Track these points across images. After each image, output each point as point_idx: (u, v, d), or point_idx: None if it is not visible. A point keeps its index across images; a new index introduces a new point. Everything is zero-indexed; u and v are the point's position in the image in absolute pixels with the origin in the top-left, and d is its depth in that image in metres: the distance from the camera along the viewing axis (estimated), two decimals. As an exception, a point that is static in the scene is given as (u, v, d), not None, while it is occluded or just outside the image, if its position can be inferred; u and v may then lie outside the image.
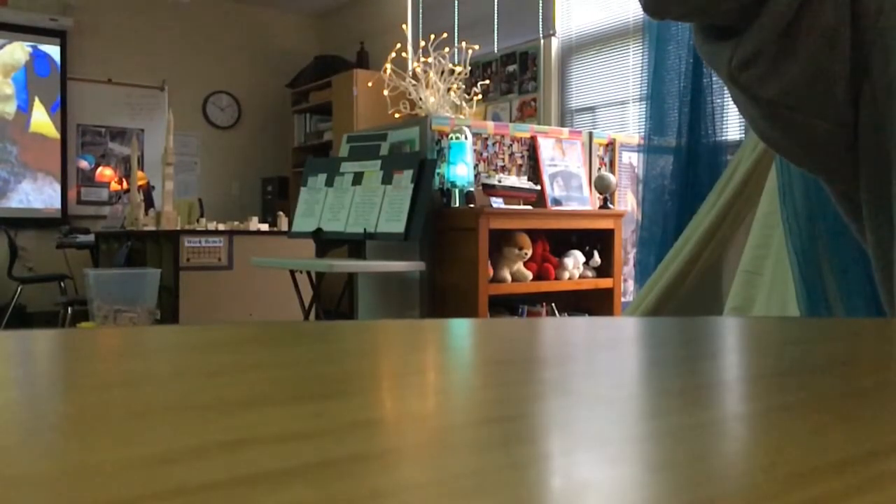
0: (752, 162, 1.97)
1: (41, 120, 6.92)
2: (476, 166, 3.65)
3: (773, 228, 1.76)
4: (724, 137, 3.51)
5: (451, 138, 3.50)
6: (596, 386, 0.32)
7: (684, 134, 3.51)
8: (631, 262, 3.85)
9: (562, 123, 5.32)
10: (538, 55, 5.51)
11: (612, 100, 5.08)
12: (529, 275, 3.51)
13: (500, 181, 3.55)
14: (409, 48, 5.37)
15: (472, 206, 3.41)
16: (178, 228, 4.97)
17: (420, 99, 4.56)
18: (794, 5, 0.66)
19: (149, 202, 5.79)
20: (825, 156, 0.73)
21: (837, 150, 0.71)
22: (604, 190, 3.77)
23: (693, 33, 0.77)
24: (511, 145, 3.79)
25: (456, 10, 6.11)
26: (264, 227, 5.28)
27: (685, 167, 3.48)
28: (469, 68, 4.81)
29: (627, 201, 4.09)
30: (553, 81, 5.44)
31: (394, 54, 5.01)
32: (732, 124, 3.60)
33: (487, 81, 5.58)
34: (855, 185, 0.72)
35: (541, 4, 5.43)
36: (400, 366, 0.38)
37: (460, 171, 3.47)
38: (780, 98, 0.69)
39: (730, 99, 0.79)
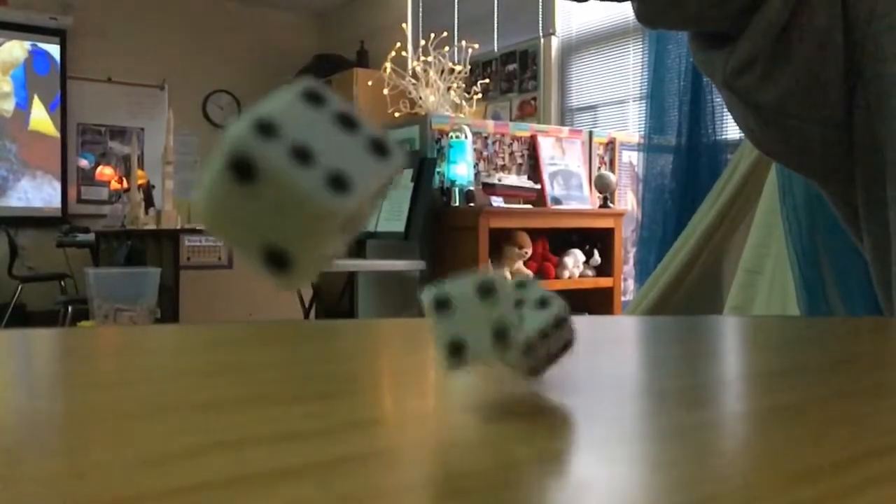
0: (751, 161, 1.97)
1: (40, 118, 6.91)
2: (476, 165, 3.65)
3: (773, 227, 1.76)
4: (724, 136, 3.50)
5: (452, 137, 3.50)
6: (596, 386, 0.32)
7: (684, 133, 3.50)
8: (631, 262, 3.85)
9: (562, 122, 5.31)
10: (538, 54, 5.50)
11: (612, 99, 5.07)
12: (529, 274, 3.51)
13: (500, 180, 3.55)
14: (409, 47, 5.36)
15: (472, 205, 3.41)
16: (179, 227, 4.97)
17: (420, 98, 4.56)
18: (785, 11, 0.66)
19: (149, 201, 5.77)
20: (821, 160, 0.73)
21: (833, 154, 0.71)
22: (604, 189, 3.76)
23: (689, 42, 0.77)
24: (511, 144, 3.79)
25: (456, 8, 6.11)
26: (264, 225, 5.27)
27: (685, 166, 3.48)
28: (469, 67, 4.80)
29: (627, 200, 4.09)
30: (553, 80, 5.44)
31: (394, 53, 5.00)
32: (732, 123, 3.59)
33: (487, 80, 5.57)
34: (851, 188, 0.72)
35: (541, 3, 5.42)
36: (400, 365, 0.38)
37: (460, 170, 3.47)
38: (776, 103, 0.69)
39: (730, 98, 0.78)
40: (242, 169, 0.16)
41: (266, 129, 0.16)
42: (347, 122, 0.17)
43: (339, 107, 0.17)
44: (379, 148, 0.17)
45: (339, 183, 0.16)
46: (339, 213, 0.16)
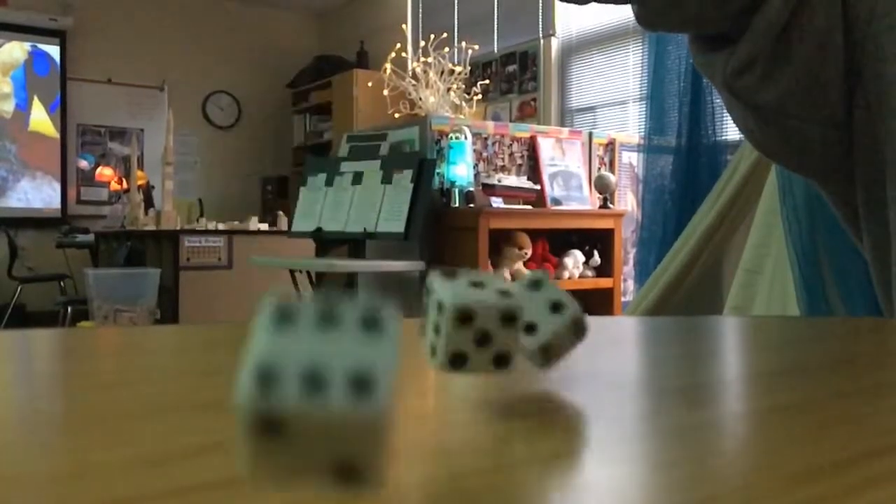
0: (751, 162, 1.97)
1: (40, 119, 6.92)
2: (476, 166, 3.65)
3: (773, 227, 1.76)
4: (724, 137, 3.50)
5: (451, 138, 3.50)
6: (596, 386, 0.32)
7: (684, 134, 3.50)
8: (631, 262, 3.85)
9: (562, 123, 5.31)
10: (538, 55, 5.51)
11: (612, 100, 5.07)
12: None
13: (499, 181, 3.55)
14: (409, 48, 5.36)
15: (471, 205, 3.41)
16: (178, 228, 4.97)
17: (420, 99, 4.56)
18: (785, 11, 0.66)
19: (149, 202, 5.78)
20: (821, 160, 0.73)
21: (833, 154, 0.71)
22: (604, 190, 3.76)
23: (689, 44, 0.77)
24: (511, 145, 3.79)
25: (456, 9, 6.11)
26: (264, 226, 5.28)
27: (685, 167, 3.48)
28: (469, 68, 4.81)
29: (627, 201, 4.09)
30: (553, 81, 5.44)
31: (394, 54, 5.00)
32: (732, 125, 3.59)
33: (487, 81, 5.57)
34: (851, 188, 0.72)
35: (541, 4, 5.42)
36: (399, 365, 0.38)
37: (460, 170, 3.47)
38: (776, 103, 0.69)
39: (730, 99, 0.78)
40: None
41: (268, 377, 0.16)
42: (330, 318, 0.17)
43: (313, 309, 0.17)
44: (372, 324, 0.17)
45: (361, 385, 0.16)
46: (378, 413, 0.16)
